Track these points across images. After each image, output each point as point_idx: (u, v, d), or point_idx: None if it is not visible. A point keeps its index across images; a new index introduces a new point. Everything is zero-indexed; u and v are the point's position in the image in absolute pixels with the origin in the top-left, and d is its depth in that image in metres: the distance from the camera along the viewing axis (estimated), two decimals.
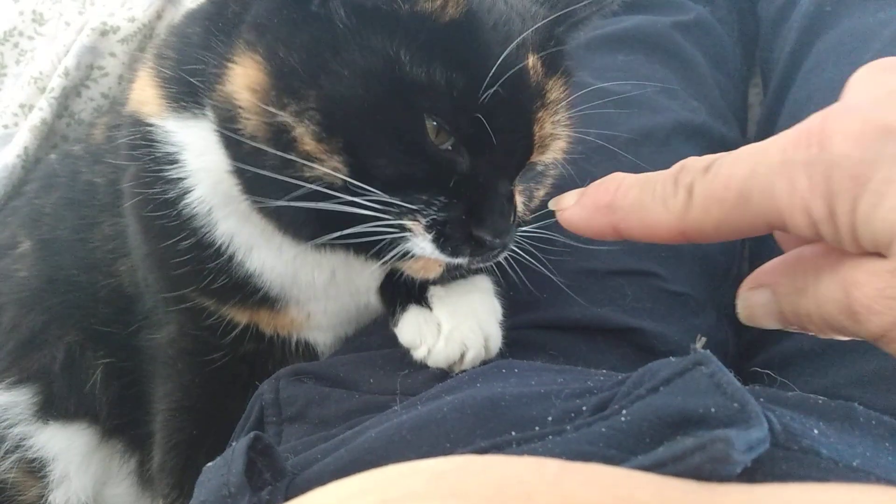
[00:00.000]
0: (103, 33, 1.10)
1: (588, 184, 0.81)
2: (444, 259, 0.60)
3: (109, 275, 0.82)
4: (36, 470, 0.81)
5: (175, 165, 0.67)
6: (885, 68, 0.45)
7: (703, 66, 0.95)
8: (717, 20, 1.02)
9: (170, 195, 0.68)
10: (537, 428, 0.41)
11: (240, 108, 0.58)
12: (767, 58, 1.01)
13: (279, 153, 0.56)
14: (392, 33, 0.55)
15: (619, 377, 0.44)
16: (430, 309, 0.71)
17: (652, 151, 0.86)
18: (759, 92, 1.10)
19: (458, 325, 0.68)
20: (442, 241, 0.58)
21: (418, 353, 0.69)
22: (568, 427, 0.39)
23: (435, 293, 0.71)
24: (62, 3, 1.18)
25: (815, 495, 0.31)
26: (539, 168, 0.66)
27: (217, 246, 0.69)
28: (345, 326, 0.79)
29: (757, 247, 0.88)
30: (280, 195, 0.57)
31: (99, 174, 0.86)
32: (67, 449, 0.83)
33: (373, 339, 0.76)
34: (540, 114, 0.61)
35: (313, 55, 0.56)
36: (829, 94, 0.85)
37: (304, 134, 0.56)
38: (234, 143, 0.60)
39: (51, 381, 0.83)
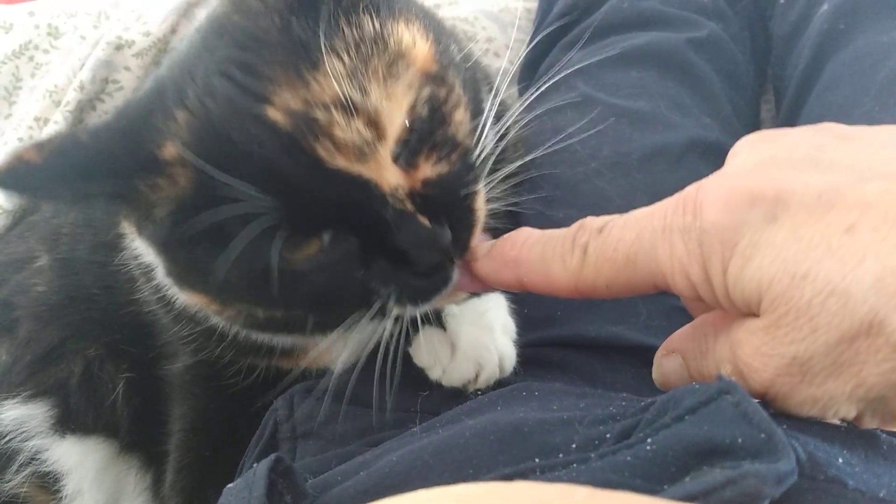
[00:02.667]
0: (118, 47, 1.11)
1: (601, 203, 0.82)
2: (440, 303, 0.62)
3: (130, 301, 0.82)
4: (49, 484, 0.81)
5: (154, 279, 0.72)
6: (762, 139, 0.49)
7: (716, 83, 0.95)
8: (730, 37, 1.02)
9: (161, 293, 0.72)
10: (561, 455, 0.41)
11: (212, 312, 0.64)
12: (780, 75, 1.01)
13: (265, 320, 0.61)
14: (194, 228, 0.54)
15: (643, 403, 0.44)
16: (444, 328, 0.71)
17: (666, 169, 0.86)
18: (771, 108, 1.10)
19: (472, 344, 0.68)
20: (419, 301, 0.58)
21: (433, 374, 0.69)
22: (592, 455, 0.40)
23: (449, 312, 0.71)
24: (78, 17, 1.19)
25: None
26: (415, 127, 0.56)
27: (219, 330, 0.71)
28: (361, 348, 0.79)
29: None
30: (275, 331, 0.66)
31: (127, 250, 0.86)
32: (82, 463, 0.83)
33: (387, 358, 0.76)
34: (321, 142, 0.51)
35: (202, 273, 0.58)
36: (843, 112, 0.86)
37: (263, 312, 0.60)
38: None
39: (68, 394, 0.84)
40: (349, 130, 0.51)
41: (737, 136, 0.93)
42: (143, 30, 1.12)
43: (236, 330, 0.69)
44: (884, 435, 0.43)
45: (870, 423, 0.41)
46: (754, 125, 1.03)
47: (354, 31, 0.55)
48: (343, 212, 0.53)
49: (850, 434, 0.42)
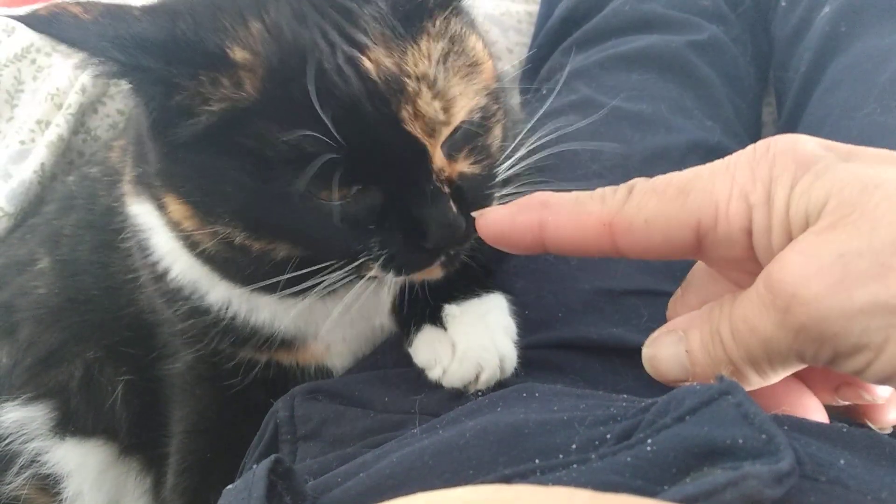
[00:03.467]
0: None
1: None
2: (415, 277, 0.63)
3: (131, 302, 0.82)
4: (50, 486, 0.81)
5: (149, 249, 0.72)
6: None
7: (718, 86, 0.95)
8: (731, 39, 1.02)
9: (158, 271, 0.73)
10: (561, 456, 0.41)
11: (187, 229, 0.63)
12: (782, 77, 1.01)
13: (237, 253, 0.62)
14: (234, 135, 0.55)
15: (643, 404, 0.44)
16: (445, 329, 0.71)
17: (667, 170, 0.85)
18: (772, 111, 1.10)
19: (472, 345, 0.68)
20: (402, 270, 0.60)
21: (433, 374, 0.69)
22: (593, 456, 0.39)
23: (449, 312, 0.71)
24: None
25: None
26: (465, 126, 0.61)
27: (216, 311, 0.71)
28: (361, 348, 0.79)
29: None
30: (248, 280, 0.64)
31: (116, 199, 0.86)
32: (83, 465, 0.83)
33: (387, 357, 0.76)
34: (405, 106, 0.55)
35: (199, 181, 0.59)
36: (844, 115, 0.86)
37: (243, 238, 0.59)
38: (194, 248, 0.65)
39: (68, 397, 0.83)
40: (430, 106, 0.56)
41: (738, 139, 0.94)
42: None
43: (231, 314, 0.69)
44: (886, 436, 0.43)
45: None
46: (756, 127, 1.03)
47: (448, 27, 0.60)
48: (391, 171, 0.56)
49: (852, 435, 0.42)
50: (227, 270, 0.66)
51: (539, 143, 0.86)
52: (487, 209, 0.56)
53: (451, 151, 0.60)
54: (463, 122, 0.59)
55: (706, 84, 0.95)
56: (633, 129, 0.88)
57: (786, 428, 0.40)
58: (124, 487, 0.85)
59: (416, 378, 0.70)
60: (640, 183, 0.48)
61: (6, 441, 0.82)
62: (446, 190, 0.58)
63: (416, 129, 0.55)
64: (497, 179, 0.65)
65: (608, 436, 0.42)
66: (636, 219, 0.46)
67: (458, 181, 0.60)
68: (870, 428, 0.47)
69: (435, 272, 0.64)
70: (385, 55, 0.55)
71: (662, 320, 0.77)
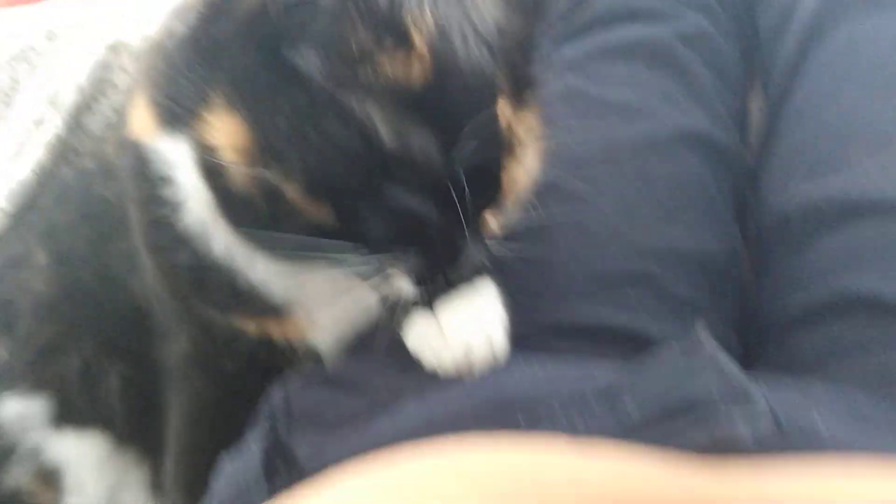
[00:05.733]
0: (115, 49, 1.12)
1: (591, 193, 0.83)
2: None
3: (125, 290, 0.83)
4: (50, 477, 0.82)
5: (169, 184, 0.69)
6: None
7: (705, 76, 0.97)
8: (717, 30, 1.03)
9: (168, 214, 0.70)
10: (543, 412, 0.42)
11: (225, 163, 0.59)
12: (767, 67, 1.02)
13: (266, 205, 0.59)
14: (363, 100, 0.55)
15: (622, 363, 0.45)
16: (435, 314, 0.72)
17: (655, 159, 0.87)
18: (759, 102, 1.11)
19: (462, 331, 0.69)
20: (419, 285, 0.62)
21: (425, 358, 0.70)
22: (577, 420, 0.40)
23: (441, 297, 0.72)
24: (75, 20, 1.20)
25: (825, 482, 0.32)
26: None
27: (218, 261, 0.71)
28: (351, 329, 0.80)
29: (762, 255, 0.89)
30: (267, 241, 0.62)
31: (111, 190, 0.87)
32: (82, 456, 0.84)
33: (381, 343, 0.77)
34: (508, 161, 0.60)
35: (292, 119, 0.57)
36: (826, 102, 0.87)
37: (291, 191, 0.58)
38: (219, 190, 0.62)
39: (66, 389, 0.84)
40: (515, 172, 0.61)
41: (726, 129, 0.96)
42: (140, 32, 1.13)
43: (231, 265, 0.69)
44: (863, 395, 0.44)
45: None
46: (743, 118, 1.04)
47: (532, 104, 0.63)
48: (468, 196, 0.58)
49: (830, 393, 0.43)
50: (240, 216, 0.64)
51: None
52: None
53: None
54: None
55: (693, 74, 0.96)
56: (620, 118, 0.90)
57: (764, 387, 0.41)
58: (124, 477, 0.86)
59: (410, 362, 0.71)
60: None
61: (6, 433, 0.83)
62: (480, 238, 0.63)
63: (505, 179, 0.60)
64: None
65: (587, 392, 0.43)
66: None
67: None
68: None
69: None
70: (508, 108, 0.59)
71: (651, 303, 0.78)
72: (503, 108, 0.58)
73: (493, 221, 0.65)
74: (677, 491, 0.30)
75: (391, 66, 0.55)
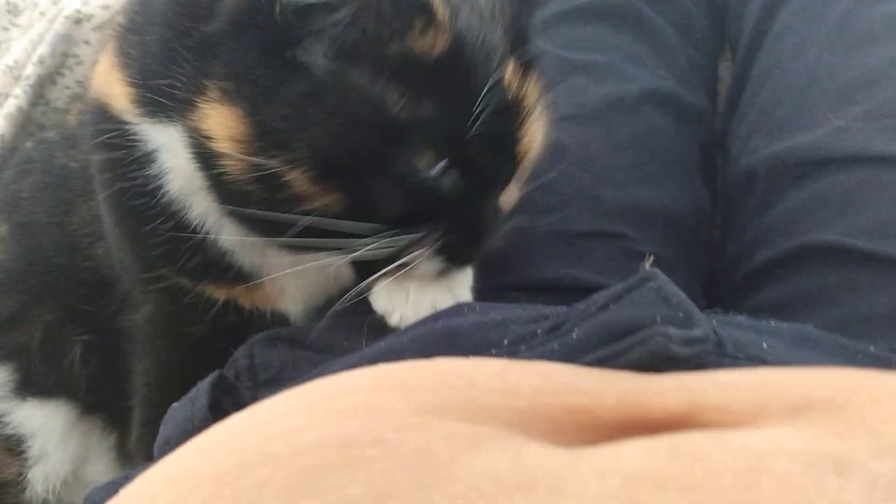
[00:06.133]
0: (77, 21, 1.10)
1: (557, 154, 0.83)
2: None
3: (88, 257, 0.82)
4: (14, 446, 0.81)
5: (151, 163, 0.68)
6: None
7: (671, 37, 0.97)
8: None
9: (145, 185, 0.68)
10: (493, 351, 0.42)
11: (222, 153, 0.58)
12: (735, 28, 1.03)
13: (267, 194, 0.57)
14: (377, 75, 0.55)
15: (575, 305, 0.45)
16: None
17: (621, 119, 0.87)
18: (729, 66, 1.11)
19: (428, 291, 0.69)
20: (453, 258, 0.63)
21: (392, 320, 0.70)
22: (522, 347, 0.40)
23: None
24: None
25: (753, 375, 0.32)
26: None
27: (192, 227, 0.69)
28: (318, 296, 0.79)
29: (730, 213, 0.89)
30: (268, 229, 0.60)
31: (74, 159, 0.86)
32: (46, 425, 0.83)
33: (347, 307, 0.77)
34: (524, 127, 0.61)
35: (297, 106, 0.56)
36: (792, 59, 0.87)
37: (297, 179, 0.56)
38: (214, 178, 0.61)
39: (29, 358, 0.83)
40: (533, 136, 0.61)
41: (693, 89, 0.96)
42: (101, 3, 1.11)
43: (205, 230, 0.68)
44: (813, 329, 0.44)
45: None
46: (712, 80, 1.04)
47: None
48: (487, 175, 0.61)
49: (780, 327, 0.43)
50: (238, 201, 0.61)
51: None
52: None
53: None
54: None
55: (659, 35, 0.96)
56: (587, 78, 0.89)
57: (715, 322, 0.41)
58: (89, 445, 0.86)
59: (377, 324, 0.71)
60: None
61: None
62: (499, 212, 0.64)
63: (521, 150, 0.61)
64: None
65: (538, 331, 0.43)
66: None
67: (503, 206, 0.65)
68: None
69: None
70: (516, 74, 0.59)
71: (617, 261, 0.78)
72: (512, 76, 0.59)
73: (512, 192, 0.66)
74: (612, 401, 0.30)
75: (415, 41, 0.56)
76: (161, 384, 0.77)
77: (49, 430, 0.83)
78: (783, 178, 0.79)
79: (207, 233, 0.69)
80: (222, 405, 0.46)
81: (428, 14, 0.56)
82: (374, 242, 0.59)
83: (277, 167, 0.56)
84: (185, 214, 0.69)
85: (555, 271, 0.75)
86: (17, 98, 1.07)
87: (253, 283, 0.73)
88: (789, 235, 0.74)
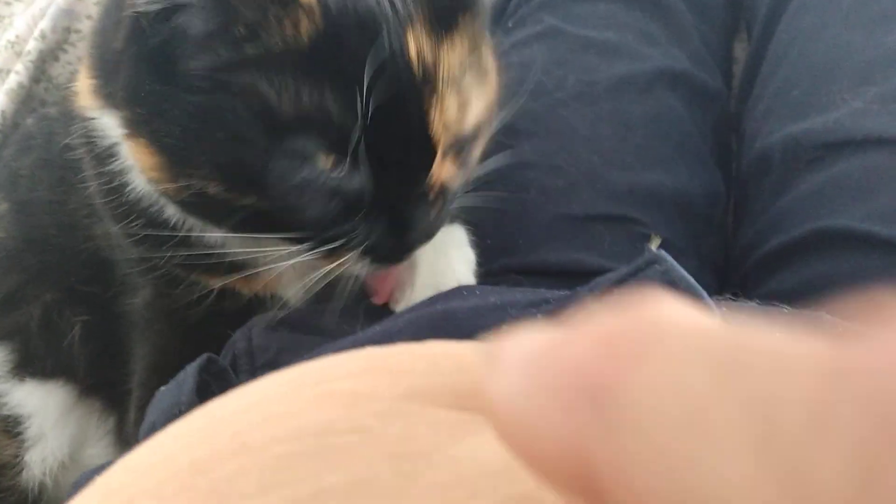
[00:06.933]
0: None
1: (566, 133, 0.81)
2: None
3: (88, 238, 0.81)
4: (10, 427, 0.80)
5: (114, 158, 0.68)
6: None
7: (685, 15, 0.94)
8: None
9: (115, 182, 0.68)
10: (488, 329, 0.40)
11: (155, 180, 0.59)
12: (751, 6, 1.00)
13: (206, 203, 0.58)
14: (252, 79, 0.52)
15: (577, 289, 0.43)
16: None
17: (633, 98, 0.85)
18: (744, 47, 1.08)
19: (430, 273, 0.68)
20: (381, 261, 0.59)
21: (395, 307, 0.69)
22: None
23: None
24: None
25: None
26: (465, 135, 0.60)
27: (171, 224, 0.69)
28: (319, 281, 0.78)
29: (744, 197, 0.87)
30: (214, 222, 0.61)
31: (73, 138, 0.85)
32: (43, 406, 0.82)
33: (347, 288, 0.75)
34: (433, 100, 0.53)
35: (188, 125, 0.54)
36: (811, 38, 0.85)
37: (217, 192, 0.56)
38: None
39: (27, 338, 0.82)
40: (452, 109, 0.54)
41: (707, 68, 0.93)
42: None
43: (187, 225, 0.67)
44: (828, 315, 0.42)
45: None
46: (726, 59, 1.02)
47: (472, 28, 0.56)
48: (397, 164, 0.54)
49: (792, 315, 0.41)
50: (192, 213, 0.64)
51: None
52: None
53: (445, 158, 0.58)
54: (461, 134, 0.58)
55: (673, 13, 0.93)
56: (598, 57, 0.87)
57: (724, 310, 0.39)
58: (87, 427, 0.85)
59: (378, 308, 0.70)
60: None
61: None
62: (433, 196, 0.58)
63: (436, 129, 0.54)
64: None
65: (538, 316, 0.41)
66: None
67: (443, 188, 0.59)
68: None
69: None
70: (426, 42, 0.52)
71: (625, 245, 0.76)
72: (416, 42, 0.52)
73: (451, 170, 0.59)
74: None
75: (278, 32, 0.51)
76: (159, 367, 0.76)
77: (47, 412, 0.82)
78: (799, 161, 0.76)
79: (189, 231, 0.68)
80: (211, 389, 0.45)
81: (291, 9, 0.51)
82: (303, 245, 0.58)
83: (197, 182, 0.56)
84: (160, 213, 0.68)
85: (559, 255, 0.73)
86: (18, 74, 1.05)
87: (248, 273, 0.72)
88: (804, 220, 0.72)
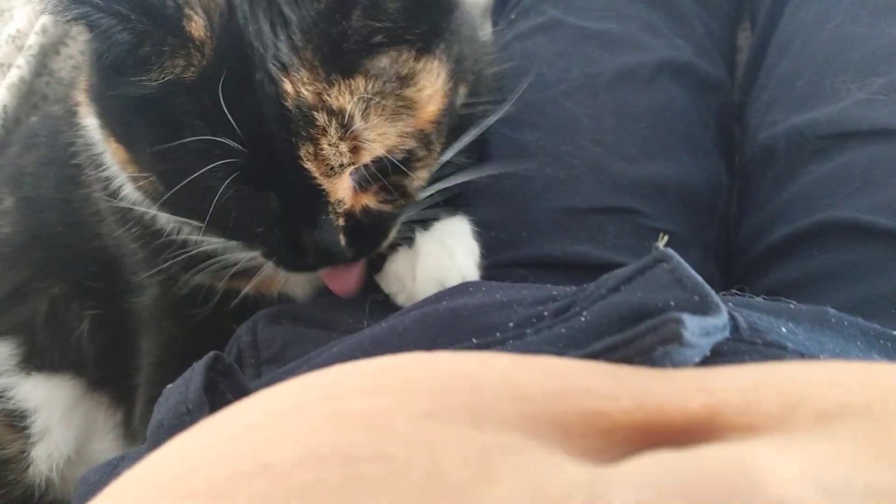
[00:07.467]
0: None
1: (569, 125, 0.81)
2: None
3: (95, 236, 0.81)
4: (16, 422, 0.80)
5: (104, 167, 0.71)
6: None
7: (688, 5, 0.93)
8: None
9: (111, 188, 0.71)
10: (498, 334, 0.40)
11: (129, 173, 0.64)
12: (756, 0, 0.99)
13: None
14: (164, 105, 0.55)
15: (584, 286, 0.43)
16: (408, 254, 0.70)
17: (636, 89, 0.84)
18: (748, 36, 1.08)
19: (434, 266, 0.68)
20: (281, 265, 0.63)
21: (399, 300, 0.69)
22: (528, 331, 0.39)
23: (413, 237, 0.71)
24: None
25: (777, 373, 0.30)
26: (383, 162, 0.59)
27: (167, 232, 0.70)
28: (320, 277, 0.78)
29: (747, 188, 0.86)
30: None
31: (76, 132, 0.85)
32: (50, 401, 0.82)
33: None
34: (307, 144, 0.55)
35: (135, 133, 0.59)
36: (815, 28, 0.84)
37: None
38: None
39: (34, 332, 0.83)
40: (334, 149, 0.55)
41: (710, 59, 0.93)
42: None
43: (183, 235, 0.68)
44: (833, 311, 0.42)
45: None
46: (730, 50, 1.01)
47: (394, 65, 0.57)
48: (288, 190, 0.56)
49: (799, 309, 0.41)
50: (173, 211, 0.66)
51: (506, 66, 0.85)
52: None
53: (361, 183, 0.60)
54: (378, 158, 0.58)
55: (675, 3, 0.93)
56: (601, 48, 0.87)
57: (730, 304, 0.39)
58: (94, 422, 0.85)
59: (382, 301, 0.70)
60: None
61: None
62: (340, 223, 0.59)
63: (313, 166, 0.55)
64: (409, 205, 0.65)
65: (545, 313, 0.41)
66: None
67: (358, 214, 0.61)
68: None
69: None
70: (307, 82, 0.54)
71: (629, 237, 0.76)
72: (293, 85, 0.54)
73: (366, 197, 0.61)
74: (629, 404, 0.28)
75: (172, 63, 0.54)
76: (165, 363, 0.76)
77: (53, 406, 0.82)
78: (803, 151, 0.76)
79: (186, 238, 0.70)
80: (218, 387, 0.45)
81: (179, 34, 0.53)
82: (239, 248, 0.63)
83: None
84: (154, 220, 0.70)
85: (564, 248, 0.73)
86: (19, 68, 1.05)
87: (253, 273, 0.72)
88: (808, 211, 0.71)
